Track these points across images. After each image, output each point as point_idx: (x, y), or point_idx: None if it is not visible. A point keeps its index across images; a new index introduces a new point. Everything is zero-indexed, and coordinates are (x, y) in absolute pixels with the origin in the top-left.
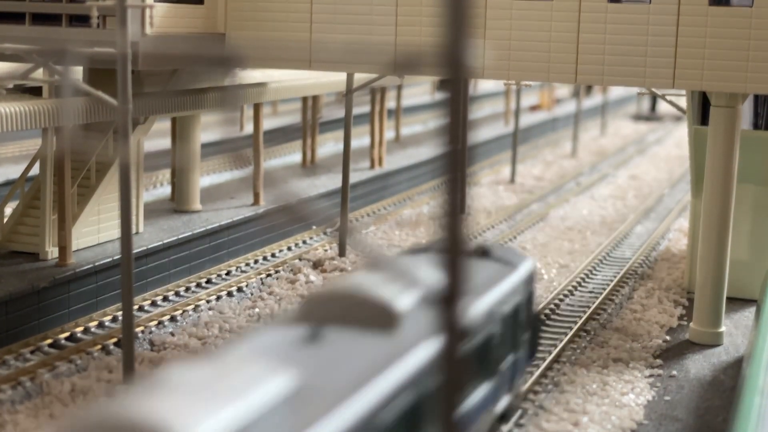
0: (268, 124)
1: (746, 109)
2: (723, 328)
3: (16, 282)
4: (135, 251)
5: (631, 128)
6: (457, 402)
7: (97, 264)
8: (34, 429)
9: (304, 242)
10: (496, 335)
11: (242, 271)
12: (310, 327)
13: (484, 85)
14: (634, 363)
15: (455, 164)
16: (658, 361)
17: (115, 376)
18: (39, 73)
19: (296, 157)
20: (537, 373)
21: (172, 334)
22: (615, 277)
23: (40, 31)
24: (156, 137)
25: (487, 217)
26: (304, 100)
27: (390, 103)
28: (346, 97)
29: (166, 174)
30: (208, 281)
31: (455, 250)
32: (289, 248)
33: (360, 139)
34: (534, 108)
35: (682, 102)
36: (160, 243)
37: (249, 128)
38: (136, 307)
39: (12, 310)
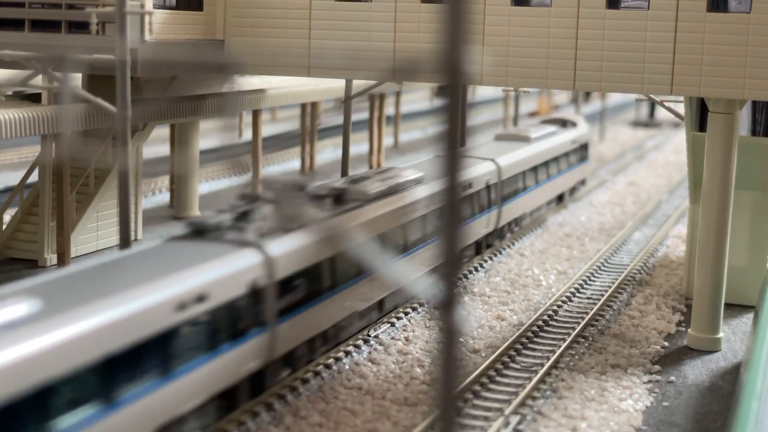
0: (266, 130)
1: (744, 116)
2: (721, 334)
3: None
4: None
5: (629, 134)
6: (457, 401)
7: None
8: None
9: None
10: None
11: None
12: None
13: (483, 92)
14: (633, 369)
15: (453, 170)
16: (657, 367)
17: None
18: (38, 80)
19: (295, 164)
20: (535, 379)
21: None
22: (613, 283)
23: (39, 37)
24: (155, 144)
25: None
26: (303, 106)
27: (389, 110)
28: (345, 104)
29: (165, 180)
30: None
31: (453, 257)
32: None
33: (359, 146)
34: (533, 114)
35: (681, 108)
36: None
37: (248, 135)
38: None
39: None
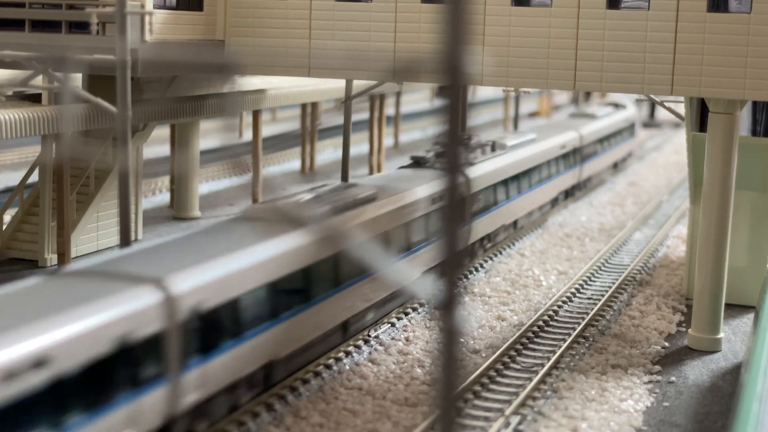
0: (267, 130)
1: (744, 116)
2: (721, 335)
3: None
4: None
5: None
6: (456, 402)
7: None
8: None
9: None
10: None
11: None
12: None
13: (483, 92)
14: (633, 369)
15: (453, 170)
16: (657, 368)
17: None
18: (38, 80)
19: (295, 164)
20: (535, 379)
21: None
22: (613, 283)
23: (39, 38)
24: (155, 144)
25: None
26: (303, 106)
27: (389, 110)
28: (345, 104)
29: (165, 181)
30: None
31: (453, 258)
32: None
33: (359, 146)
34: (533, 114)
35: (681, 108)
36: None
37: (248, 135)
38: None
39: None
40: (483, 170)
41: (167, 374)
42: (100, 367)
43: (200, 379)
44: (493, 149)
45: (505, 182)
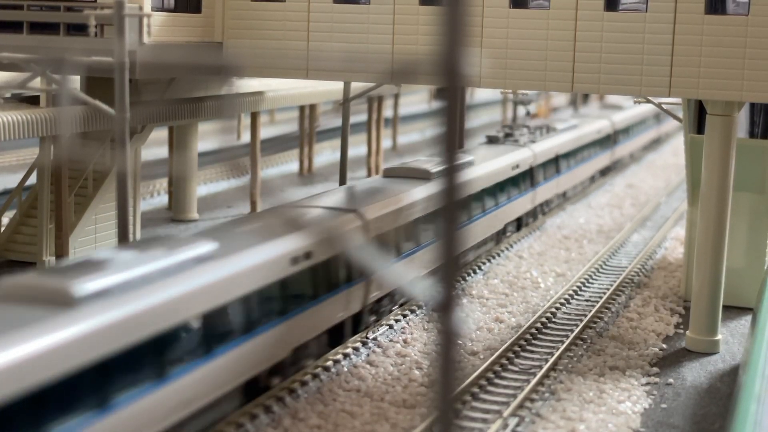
0: (265, 132)
1: (742, 118)
2: (719, 336)
3: None
4: None
5: None
6: (453, 399)
7: None
8: None
9: None
10: None
11: None
12: None
13: (481, 94)
14: (631, 371)
15: (452, 171)
16: (655, 369)
17: None
18: (37, 82)
19: (294, 166)
20: (533, 381)
21: None
22: (611, 285)
23: (38, 39)
24: (153, 146)
25: None
26: (302, 108)
27: (387, 112)
28: (344, 106)
29: (163, 183)
30: None
31: (451, 261)
32: None
33: (357, 148)
34: (532, 117)
35: (679, 110)
36: None
37: (246, 137)
38: None
39: None
40: (391, 207)
41: None
42: None
43: None
44: (415, 177)
45: (416, 222)
